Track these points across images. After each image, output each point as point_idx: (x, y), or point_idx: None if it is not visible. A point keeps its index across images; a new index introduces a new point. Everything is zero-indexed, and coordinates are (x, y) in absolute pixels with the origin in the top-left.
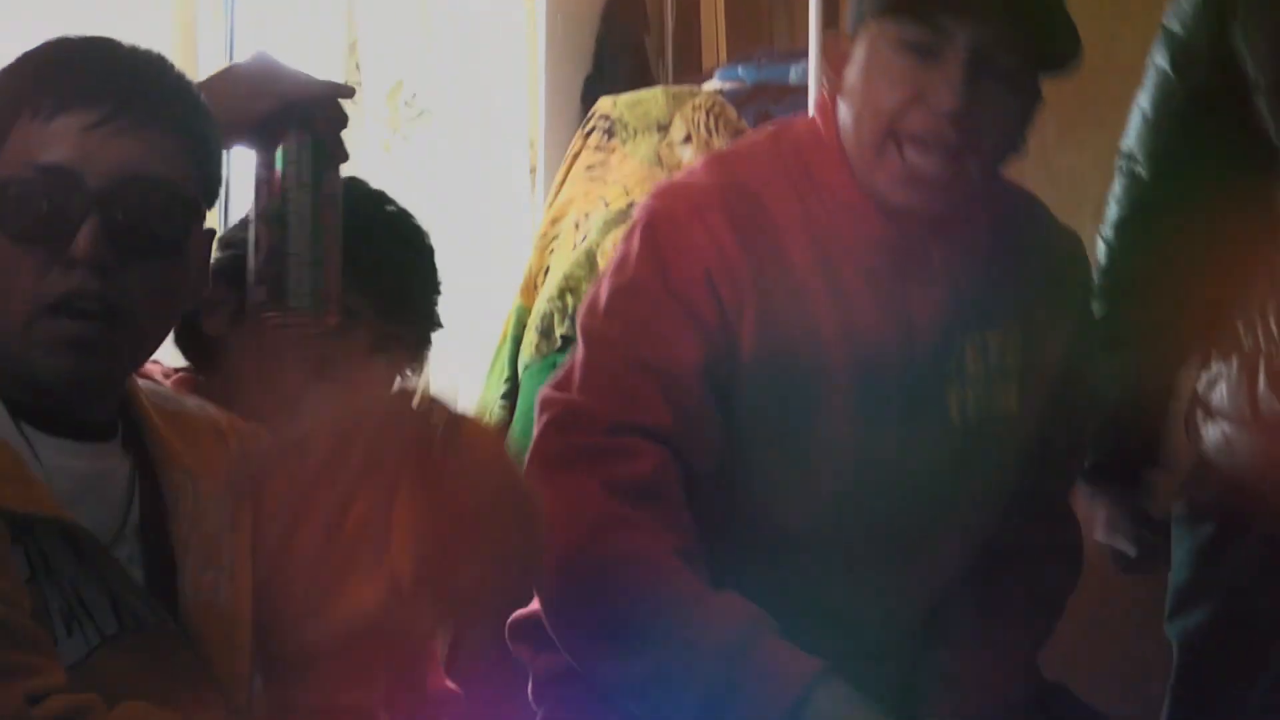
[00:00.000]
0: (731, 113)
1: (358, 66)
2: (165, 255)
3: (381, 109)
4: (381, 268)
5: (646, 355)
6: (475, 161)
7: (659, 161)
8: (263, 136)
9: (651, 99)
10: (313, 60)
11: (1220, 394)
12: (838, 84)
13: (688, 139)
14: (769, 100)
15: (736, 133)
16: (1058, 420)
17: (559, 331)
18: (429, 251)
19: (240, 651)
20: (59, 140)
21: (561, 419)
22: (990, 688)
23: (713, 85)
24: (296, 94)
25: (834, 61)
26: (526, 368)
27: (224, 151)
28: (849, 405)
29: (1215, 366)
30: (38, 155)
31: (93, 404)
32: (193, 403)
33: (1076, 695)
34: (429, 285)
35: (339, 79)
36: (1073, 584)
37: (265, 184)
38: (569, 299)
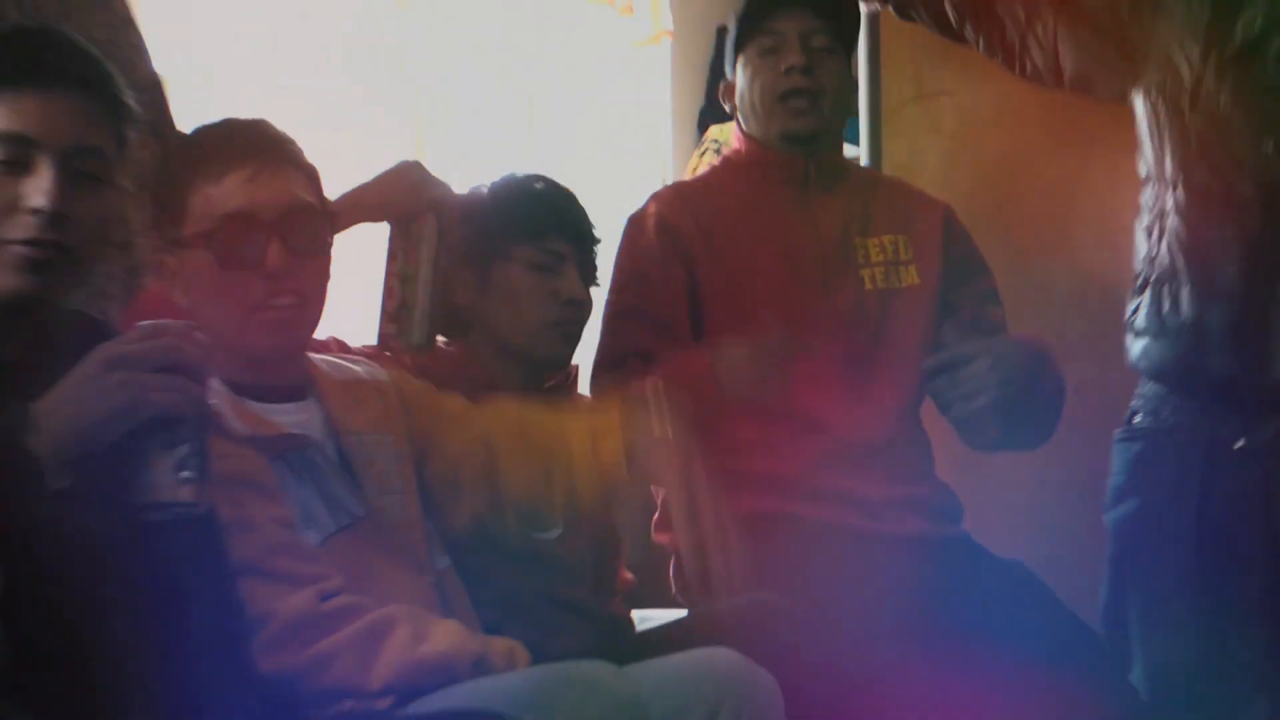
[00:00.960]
0: None
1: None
2: (324, 252)
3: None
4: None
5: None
6: (615, 177)
7: None
8: (405, 218)
9: None
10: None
11: (1139, 314)
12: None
13: None
14: None
15: None
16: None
17: None
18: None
19: (419, 544)
20: (231, 193)
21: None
22: None
23: None
24: (440, 197)
25: (725, 97)
26: None
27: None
28: (781, 286)
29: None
30: (219, 208)
31: (288, 370)
32: (361, 369)
33: (1031, 570)
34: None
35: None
36: None
37: (401, 251)
38: None
